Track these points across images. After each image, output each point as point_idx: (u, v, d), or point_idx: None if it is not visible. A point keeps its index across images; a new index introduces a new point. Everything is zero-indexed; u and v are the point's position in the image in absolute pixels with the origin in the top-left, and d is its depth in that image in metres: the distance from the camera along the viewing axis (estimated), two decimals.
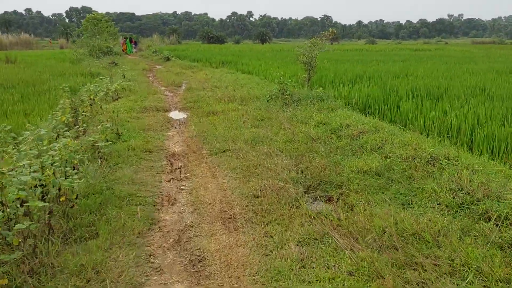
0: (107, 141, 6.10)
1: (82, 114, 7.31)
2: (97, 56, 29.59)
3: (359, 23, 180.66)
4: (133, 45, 43.08)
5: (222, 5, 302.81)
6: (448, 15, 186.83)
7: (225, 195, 4.13)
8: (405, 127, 6.37)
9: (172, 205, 4.00)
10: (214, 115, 8.68)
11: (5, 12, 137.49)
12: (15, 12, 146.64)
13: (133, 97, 11.20)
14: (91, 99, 9.04)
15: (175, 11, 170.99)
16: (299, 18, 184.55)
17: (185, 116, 9.18)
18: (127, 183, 4.40)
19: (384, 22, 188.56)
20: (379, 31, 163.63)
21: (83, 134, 6.94)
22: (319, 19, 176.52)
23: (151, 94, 11.88)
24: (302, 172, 4.71)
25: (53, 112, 7.98)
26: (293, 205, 3.81)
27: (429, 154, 4.63)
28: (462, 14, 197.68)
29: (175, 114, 9.42)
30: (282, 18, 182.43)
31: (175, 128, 7.84)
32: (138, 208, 3.75)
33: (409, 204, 3.72)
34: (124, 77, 16.14)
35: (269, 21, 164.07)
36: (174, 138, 6.90)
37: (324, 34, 10.62)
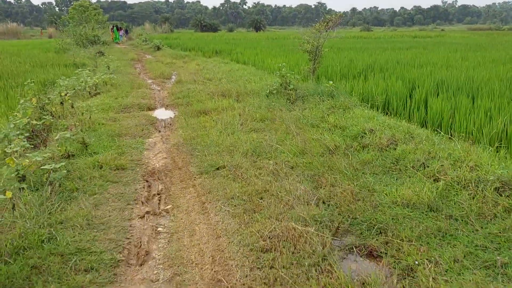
0: (68, 156, 4.79)
1: (44, 117, 5.96)
2: (84, 46, 28.04)
3: (353, 10, 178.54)
4: (124, 33, 41.28)
5: None
6: (442, 2, 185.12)
7: (220, 248, 2.85)
8: (444, 133, 5.10)
9: (141, 264, 2.72)
10: (206, 114, 7.36)
11: None
12: (3, 1, 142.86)
13: (114, 92, 9.83)
14: (61, 96, 7.70)
15: None
16: (293, 6, 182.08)
17: (172, 115, 7.85)
18: (80, 226, 3.10)
19: (378, 9, 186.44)
20: (374, 18, 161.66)
21: (42, 144, 5.62)
22: (313, 6, 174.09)
23: (135, 89, 10.50)
24: (324, 203, 3.45)
25: (14, 113, 6.64)
26: (321, 268, 2.55)
27: (497, 178, 3.38)
28: (456, 1, 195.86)
29: (161, 113, 8.09)
30: (276, 5, 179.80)
31: (159, 132, 6.52)
32: (86, 278, 2.46)
33: (495, 266, 2.47)
34: (108, 68, 14.71)
35: (262, 9, 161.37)
36: (156, 147, 5.60)
37: (331, 18, 9.27)
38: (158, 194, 3.96)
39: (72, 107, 7.52)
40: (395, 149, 4.53)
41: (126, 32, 44.01)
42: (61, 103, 7.63)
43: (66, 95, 7.62)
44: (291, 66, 11.88)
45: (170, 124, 7.07)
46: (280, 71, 8.37)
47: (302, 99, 7.60)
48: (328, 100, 7.10)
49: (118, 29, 37.36)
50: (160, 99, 9.57)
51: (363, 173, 4.05)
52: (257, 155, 4.81)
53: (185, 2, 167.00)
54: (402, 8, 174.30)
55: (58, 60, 19.01)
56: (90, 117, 6.78)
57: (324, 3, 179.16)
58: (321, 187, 3.77)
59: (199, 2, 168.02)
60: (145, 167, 4.73)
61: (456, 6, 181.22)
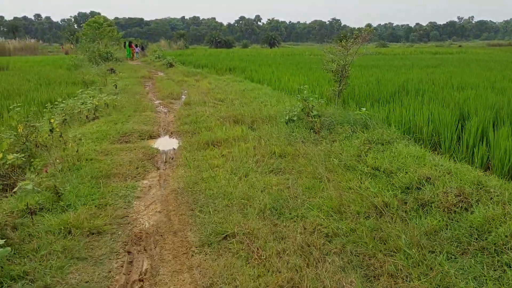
0: (32, 212, 3.68)
1: (15, 155, 4.89)
2: (96, 62, 27.55)
3: (368, 26, 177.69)
4: (140, 50, 40.91)
5: (230, 10, 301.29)
6: (458, 18, 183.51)
7: None
8: None
9: None
10: (215, 146, 6.22)
11: (15, 18, 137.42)
12: (24, 18, 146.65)
13: (115, 116, 8.80)
14: (50, 123, 6.68)
15: (183, 16, 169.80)
16: (307, 22, 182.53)
17: (175, 146, 6.73)
18: None
19: (394, 25, 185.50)
20: (389, 34, 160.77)
21: (10, 189, 4.53)
22: (327, 22, 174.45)
23: (139, 112, 9.47)
24: None
25: None
26: None
27: None
28: (472, 17, 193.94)
29: (163, 143, 6.98)
30: (290, 22, 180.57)
31: (158, 170, 5.39)
32: None
33: None
34: (115, 87, 13.82)
35: (277, 25, 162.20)
36: (150, 194, 4.46)
37: (361, 34, 8.12)
38: (140, 280, 2.79)
39: (61, 136, 6.48)
40: (467, 210, 3.29)
41: (142, 48, 43.66)
42: (51, 131, 6.61)
43: (57, 121, 6.61)
44: (312, 87, 10.75)
45: (172, 159, 5.94)
46: (301, 94, 7.23)
47: (329, 129, 6.41)
48: (361, 131, 5.89)
49: (130, 45, 36.93)
50: (165, 124, 8.50)
51: (432, 253, 2.82)
52: (279, 214, 3.62)
53: (201, 19, 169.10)
54: (417, 24, 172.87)
55: (67, 78, 18.30)
56: (77, 151, 5.71)
57: (339, 19, 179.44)
58: (376, 279, 2.56)
59: (214, 19, 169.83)
60: (131, 228, 3.58)
61: (473, 22, 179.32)
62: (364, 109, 6.30)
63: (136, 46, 42.67)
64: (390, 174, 4.29)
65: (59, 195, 3.97)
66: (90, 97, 9.87)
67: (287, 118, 7.18)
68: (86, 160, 5.45)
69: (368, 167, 4.55)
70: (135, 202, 4.17)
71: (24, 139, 6.08)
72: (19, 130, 6.33)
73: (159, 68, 25.23)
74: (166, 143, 7.01)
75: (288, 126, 6.93)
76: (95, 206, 3.90)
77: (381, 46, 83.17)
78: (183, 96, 12.90)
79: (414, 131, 5.97)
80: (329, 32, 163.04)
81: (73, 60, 27.81)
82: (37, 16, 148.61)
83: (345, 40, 8.11)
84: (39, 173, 4.65)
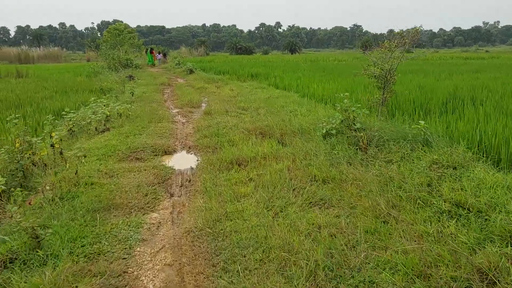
0: (1, 265, 2.70)
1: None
2: (116, 69, 27.11)
3: (391, 32, 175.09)
4: (162, 57, 40.52)
5: (250, 17, 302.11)
6: (484, 23, 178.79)
7: None
8: None
9: None
10: (240, 166, 5.19)
11: (40, 27, 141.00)
12: (49, 26, 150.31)
13: (128, 127, 7.90)
14: (51, 137, 5.81)
15: (204, 24, 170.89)
16: (328, 28, 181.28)
17: (194, 164, 5.73)
18: None
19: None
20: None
21: None
22: (348, 28, 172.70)
23: (155, 122, 8.55)
24: None
25: None
26: None
27: None
28: (498, 22, 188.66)
29: (179, 161, 6.00)
30: (311, 28, 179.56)
31: (171, 197, 4.39)
32: None
33: None
34: (132, 95, 13.02)
35: (297, 32, 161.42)
36: (159, 235, 3.44)
37: (407, 35, 6.99)
38: None
39: (61, 153, 5.57)
40: None
41: (165, 55, 43.27)
42: (52, 146, 5.73)
43: (61, 133, 5.71)
44: (345, 93, 9.64)
45: (189, 181, 4.94)
46: (340, 104, 6.13)
47: (378, 146, 5.29)
48: (423, 149, 4.75)
49: (152, 52, 36.53)
50: (182, 137, 7.52)
51: None
52: (337, 279, 2.53)
53: (221, 26, 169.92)
54: (441, 29, 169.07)
55: (84, 85, 17.71)
56: (76, 172, 4.76)
57: (360, 26, 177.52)
58: None
59: (235, 26, 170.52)
60: None
61: (499, 27, 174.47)
62: (423, 122, 5.13)
63: (159, 53, 42.35)
64: (480, 214, 3.16)
65: (39, 240, 3.00)
66: (103, 105, 9.04)
67: (324, 131, 6.09)
68: (86, 184, 4.49)
69: (446, 202, 3.42)
70: (138, 249, 3.16)
71: (19, 156, 5.20)
72: (16, 145, 5.48)
73: (179, 75, 24.52)
74: (182, 161, 6.01)
75: (327, 141, 5.84)
76: (85, 257, 2.90)
77: (406, 51, 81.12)
78: (203, 104, 11.97)
79: (488, 150, 4.80)
80: (350, 38, 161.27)
81: (93, 67, 27.44)
82: (62, 24, 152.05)
83: (388, 41, 6.99)
84: (21, 205, 3.70)
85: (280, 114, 8.62)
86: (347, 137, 5.71)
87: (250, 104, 10.69)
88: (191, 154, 6.42)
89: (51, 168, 5.19)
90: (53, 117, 7.72)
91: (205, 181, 4.73)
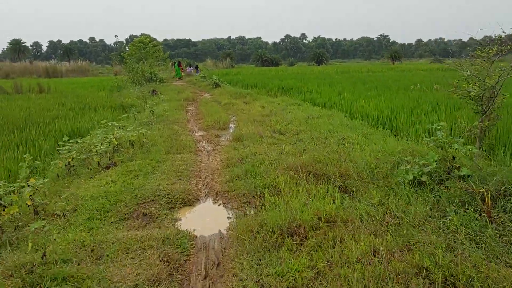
0: None
1: None
2: (140, 83, 26.01)
3: (419, 41, 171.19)
4: (191, 70, 39.44)
5: (275, 29, 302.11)
6: None
7: None
8: None
9: None
10: (295, 241, 3.39)
11: (70, 41, 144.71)
12: (80, 41, 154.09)
13: (139, 161, 6.24)
14: (28, 186, 4.19)
15: (229, 36, 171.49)
16: (354, 39, 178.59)
17: (224, 228, 3.97)
18: None
19: (445, 40, 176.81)
20: (441, 50, 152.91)
21: None
22: (375, 39, 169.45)
23: (174, 153, 6.87)
24: None
25: None
26: None
27: None
28: None
29: (203, 219, 4.24)
30: (336, 39, 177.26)
31: None
32: None
33: None
34: (152, 114, 11.49)
35: (323, 42, 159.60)
36: None
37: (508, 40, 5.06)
38: None
39: (36, 213, 3.91)
40: None
41: (197, 68, 42.19)
42: (31, 195, 4.10)
43: (32, 187, 4.07)
44: (407, 115, 7.71)
45: (217, 266, 3.17)
46: (435, 139, 4.25)
47: (507, 210, 3.36)
48: None
49: (180, 65, 35.43)
50: (207, 174, 5.79)
51: None
52: None
53: (246, 38, 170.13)
54: (471, 38, 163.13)
55: (105, 101, 16.44)
56: (44, 255, 3.06)
57: (387, 36, 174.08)
58: None
59: (260, 38, 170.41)
60: None
61: None
62: None
63: (190, 66, 41.37)
64: None
65: None
66: (116, 129, 7.47)
67: (410, 177, 4.21)
68: (52, 280, 2.78)
69: None
70: None
71: None
72: None
73: (204, 89, 23.06)
74: (208, 219, 4.26)
75: (418, 194, 3.96)
76: None
77: (436, 61, 77.71)
78: (231, 125, 10.27)
79: None
80: (377, 48, 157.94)
81: (117, 81, 26.42)
82: (92, 39, 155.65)
83: (488, 48, 5.09)
84: None
85: (330, 143, 6.79)
86: (452, 189, 3.81)
87: (288, 127, 8.92)
88: (219, 205, 4.66)
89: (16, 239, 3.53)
90: (65, 140, 6.18)
91: (242, 272, 2.94)
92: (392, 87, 14.03)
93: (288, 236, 3.49)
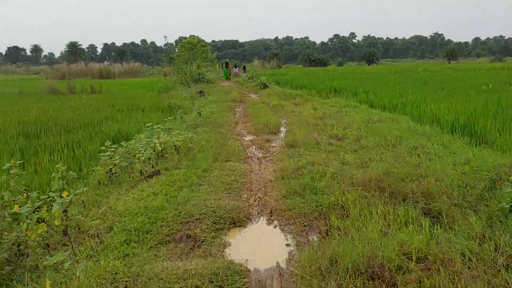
0: None
1: None
2: (187, 84, 25.98)
3: (476, 40, 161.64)
4: (237, 70, 39.15)
5: (323, 28, 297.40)
6: None
7: None
8: None
9: None
10: (376, 284, 2.59)
11: (123, 44, 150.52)
12: (132, 43, 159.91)
13: (184, 169, 5.66)
14: (61, 199, 3.68)
15: (277, 37, 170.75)
16: (406, 38, 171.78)
17: (282, 260, 3.23)
18: None
19: (505, 38, 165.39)
20: (502, 48, 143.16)
21: None
22: (428, 37, 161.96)
23: (222, 161, 6.24)
24: None
25: None
26: None
27: None
28: None
29: (256, 246, 3.53)
30: (387, 38, 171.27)
31: None
32: None
33: None
34: (199, 116, 11.01)
35: (373, 42, 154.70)
36: None
37: None
38: None
39: (65, 234, 3.38)
40: None
41: (244, 69, 41.83)
42: (65, 211, 3.58)
43: (66, 200, 3.56)
44: (493, 123, 6.60)
45: None
46: None
47: None
48: None
49: (227, 66, 35.28)
50: (259, 188, 5.09)
51: None
52: None
53: (294, 39, 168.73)
54: None
55: (153, 102, 16.28)
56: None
57: (442, 34, 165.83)
58: None
59: (308, 38, 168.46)
60: None
61: None
62: None
63: (236, 66, 41.15)
64: None
65: None
66: (162, 132, 6.97)
67: None
68: None
69: None
70: None
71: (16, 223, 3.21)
72: (15, 207, 3.48)
73: (252, 90, 22.50)
74: (261, 246, 3.54)
75: None
76: None
77: (496, 60, 72.52)
78: (282, 129, 9.54)
79: None
80: (431, 47, 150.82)
81: (165, 82, 26.54)
82: (143, 41, 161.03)
83: None
84: None
85: (401, 152, 5.86)
86: None
87: (346, 132, 8.04)
88: (275, 227, 3.93)
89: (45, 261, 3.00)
90: (107, 144, 5.74)
91: None
92: (460, 87, 12.67)
93: (369, 280, 2.69)
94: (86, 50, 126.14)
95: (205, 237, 3.64)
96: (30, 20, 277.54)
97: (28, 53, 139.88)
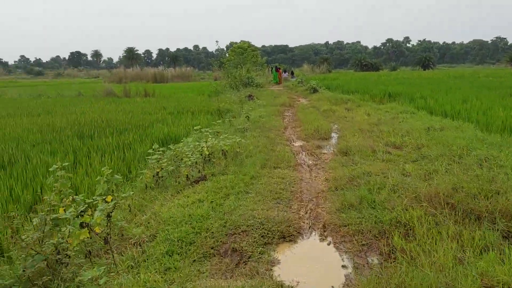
0: None
1: None
2: (237, 88, 26.08)
3: None
4: (287, 75, 38.77)
5: (375, 33, 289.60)
6: None
7: None
8: None
9: None
10: None
11: (177, 49, 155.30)
12: (185, 49, 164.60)
13: (231, 175, 5.42)
14: (105, 203, 3.56)
15: (327, 41, 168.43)
16: (464, 42, 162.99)
17: (339, 285, 2.86)
18: None
19: None
20: None
21: None
22: (489, 41, 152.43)
23: (270, 167, 5.93)
24: None
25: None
26: None
27: None
28: None
29: (308, 266, 3.17)
30: (444, 42, 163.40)
31: None
32: None
33: None
34: (248, 119, 10.82)
35: (429, 46, 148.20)
36: None
37: None
38: None
39: (106, 242, 3.22)
40: None
41: (292, 74, 41.38)
42: (108, 216, 3.44)
43: (110, 206, 3.42)
44: None
45: None
46: None
47: None
48: None
49: (278, 70, 35.07)
50: (310, 198, 4.72)
51: None
52: None
53: (345, 43, 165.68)
54: None
55: (203, 106, 16.37)
56: None
57: (505, 38, 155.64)
58: None
59: (359, 42, 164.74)
60: None
61: None
62: None
63: (286, 71, 40.82)
64: None
65: None
66: (209, 136, 6.80)
67: None
68: None
69: None
70: None
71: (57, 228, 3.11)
72: (60, 211, 3.40)
73: (301, 94, 22.07)
74: (314, 267, 3.18)
75: None
76: None
77: None
78: (333, 135, 9.09)
79: None
80: (492, 52, 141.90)
81: (215, 86, 26.77)
82: (195, 47, 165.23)
83: None
84: None
85: (469, 164, 5.25)
86: None
87: (404, 139, 7.46)
88: (329, 244, 3.55)
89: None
90: (155, 147, 5.65)
91: None
92: None
93: None
94: (142, 55, 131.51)
95: (252, 252, 3.35)
96: (91, 26, 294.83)
97: (89, 58, 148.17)
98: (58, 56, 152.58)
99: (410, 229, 3.54)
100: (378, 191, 4.52)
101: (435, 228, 3.42)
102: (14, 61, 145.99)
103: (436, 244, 3.15)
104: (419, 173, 5.15)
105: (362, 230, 3.66)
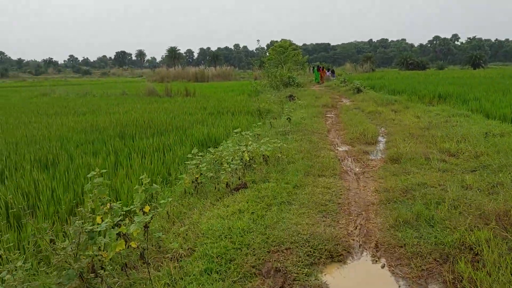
0: None
1: None
2: (277, 88, 25.76)
3: None
4: (329, 74, 37.92)
5: (422, 30, 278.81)
6: None
7: None
8: None
9: None
10: None
11: (218, 48, 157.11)
12: (226, 48, 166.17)
13: (273, 183, 5.13)
14: (143, 213, 3.39)
15: (371, 39, 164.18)
16: None
17: None
18: None
19: None
20: None
21: None
22: None
23: (314, 175, 5.58)
24: None
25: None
26: None
27: None
28: None
29: None
30: (496, 39, 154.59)
31: None
32: None
33: None
34: (289, 121, 10.48)
35: (479, 44, 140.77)
36: None
37: None
38: None
39: (141, 257, 3.02)
40: None
41: (333, 72, 40.37)
42: (145, 227, 3.25)
43: (148, 214, 3.24)
44: None
45: None
46: None
47: None
48: None
49: (319, 69, 34.40)
50: (359, 211, 4.34)
51: None
52: None
53: (389, 41, 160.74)
54: None
55: (243, 106, 16.22)
56: None
57: None
58: None
59: (404, 40, 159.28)
60: None
61: None
62: None
63: (328, 70, 40.01)
64: None
65: None
66: (250, 140, 6.54)
67: None
68: None
69: None
70: None
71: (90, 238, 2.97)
72: (97, 219, 3.27)
73: (344, 94, 21.42)
74: None
75: None
76: None
77: None
78: (381, 139, 8.58)
79: None
80: None
81: (255, 85, 26.57)
82: (236, 46, 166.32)
83: None
84: None
85: None
86: None
87: (460, 146, 6.87)
88: (383, 267, 3.18)
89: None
90: (194, 152, 5.47)
91: None
92: None
93: None
94: (184, 54, 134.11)
95: (297, 273, 3.04)
96: (137, 26, 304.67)
97: (134, 57, 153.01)
98: (104, 56, 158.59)
99: (477, 254, 3.10)
100: (436, 206, 4.07)
101: (509, 255, 2.97)
102: (64, 61, 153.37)
103: (508, 272, 2.72)
104: (481, 186, 4.63)
105: (421, 252, 3.26)
